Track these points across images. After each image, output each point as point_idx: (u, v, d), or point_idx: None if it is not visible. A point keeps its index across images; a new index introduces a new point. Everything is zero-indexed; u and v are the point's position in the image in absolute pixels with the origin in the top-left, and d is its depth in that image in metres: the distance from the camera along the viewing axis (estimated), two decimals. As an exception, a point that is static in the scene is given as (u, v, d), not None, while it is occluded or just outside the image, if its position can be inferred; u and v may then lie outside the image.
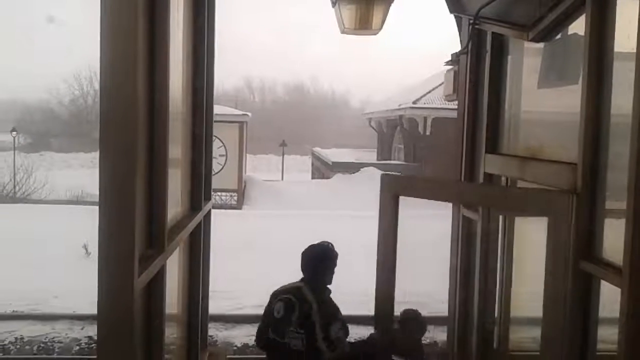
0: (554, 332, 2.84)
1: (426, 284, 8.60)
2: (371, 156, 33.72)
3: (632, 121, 2.28)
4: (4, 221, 15.41)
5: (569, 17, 3.15)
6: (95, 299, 1.86)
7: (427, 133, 25.95)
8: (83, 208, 17.98)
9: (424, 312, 8.91)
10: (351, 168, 26.41)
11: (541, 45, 3.56)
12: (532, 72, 3.80)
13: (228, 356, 6.96)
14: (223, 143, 22.60)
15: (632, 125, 2.27)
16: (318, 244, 3.84)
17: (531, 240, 3.79)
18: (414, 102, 26.28)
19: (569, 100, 3.02)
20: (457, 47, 4.83)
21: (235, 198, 23.79)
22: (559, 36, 3.40)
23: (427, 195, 3.69)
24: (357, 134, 49.39)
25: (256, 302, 9.35)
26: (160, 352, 2.43)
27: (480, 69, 4.43)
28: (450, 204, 4.55)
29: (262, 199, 24.08)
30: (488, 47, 4.26)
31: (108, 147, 1.86)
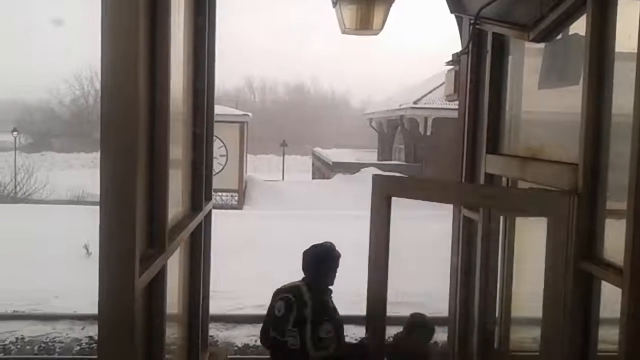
0: (554, 332, 2.84)
1: (426, 284, 8.62)
2: (372, 156, 33.71)
3: (632, 121, 2.28)
4: (5, 221, 15.42)
5: (570, 17, 3.15)
6: (96, 299, 1.86)
7: (428, 133, 25.95)
8: (84, 208, 18.00)
9: (424, 312, 8.95)
10: (352, 168, 26.40)
11: (542, 45, 3.56)
12: (532, 72, 3.80)
13: (229, 356, 6.96)
14: (224, 143, 22.61)
15: (633, 125, 2.27)
16: (320, 244, 3.83)
17: (532, 240, 3.79)
18: (415, 102, 26.27)
19: (569, 100, 3.02)
20: (458, 47, 4.83)
21: (236, 198, 23.80)
22: (559, 36, 3.40)
23: (420, 196, 3.67)
24: (358, 134, 49.37)
25: (257, 302, 9.34)
26: (161, 352, 2.44)
27: (481, 69, 4.43)
28: (449, 204, 4.55)
29: (263, 199, 24.09)
30: (489, 47, 4.26)
31: (109, 147, 1.86)
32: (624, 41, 2.56)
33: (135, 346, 1.96)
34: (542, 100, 3.76)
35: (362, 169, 25.72)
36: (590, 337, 2.76)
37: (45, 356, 7.78)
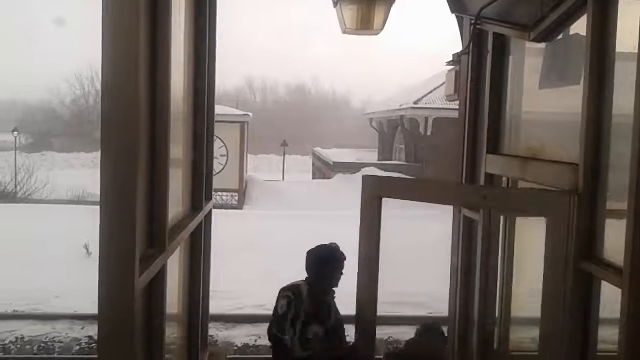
0: (553, 332, 2.84)
1: (426, 284, 8.63)
2: (372, 156, 33.70)
3: (633, 121, 2.28)
4: (5, 221, 15.43)
5: (571, 17, 3.15)
6: (96, 299, 1.86)
7: (428, 133, 25.94)
8: (84, 208, 18.00)
9: (423, 312, 8.97)
10: (352, 168, 26.37)
11: (542, 45, 3.56)
12: (533, 72, 3.80)
13: (228, 356, 6.97)
14: (224, 143, 22.61)
15: (634, 125, 2.27)
16: (325, 245, 3.82)
17: (532, 240, 3.79)
18: (415, 102, 26.26)
19: (570, 100, 3.02)
20: (459, 47, 4.83)
21: (236, 198, 23.81)
22: (560, 36, 3.40)
23: (411, 196, 3.65)
24: (358, 134, 49.35)
25: (256, 302, 9.37)
26: (161, 351, 2.44)
27: (482, 69, 4.43)
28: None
29: (263, 198, 24.09)
30: (489, 47, 4.26)
31: (109, 147, 1.86)
32: (624, 41, 2.56)
33: (135, 346, 1.96)
34: (543, 100, 3.76)
35: (362, 169, 25.69)
36: (590, 337, 2.76)
37: (45, 356, 7.78)
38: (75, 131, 54.24)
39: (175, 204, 2.89)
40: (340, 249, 3.80)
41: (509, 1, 3.87)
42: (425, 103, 26.19)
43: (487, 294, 4.17)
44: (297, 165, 48.33)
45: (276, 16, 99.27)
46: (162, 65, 2.31)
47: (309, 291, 3.71)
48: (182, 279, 3.43)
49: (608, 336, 2.71)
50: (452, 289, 4.71)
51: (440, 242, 5.60)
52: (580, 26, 2.98)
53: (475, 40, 4.43)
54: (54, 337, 8.19)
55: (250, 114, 26.58)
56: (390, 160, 29.83)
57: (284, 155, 37.31)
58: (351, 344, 3.79)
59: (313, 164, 38.01)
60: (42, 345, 7.98)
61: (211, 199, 4.06)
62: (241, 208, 22.94)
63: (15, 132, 35.74)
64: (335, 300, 3.85)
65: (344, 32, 4.68)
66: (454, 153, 5.10)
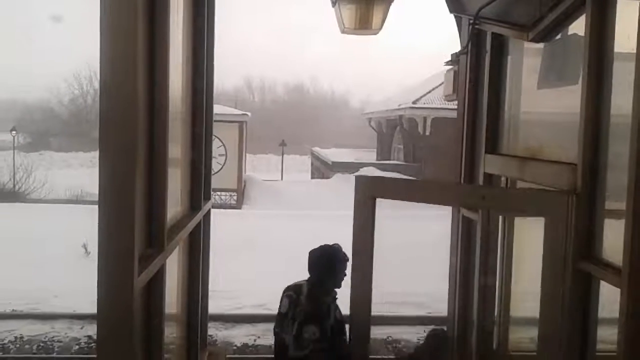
0: (552, 332, 2.84)
1: (426, 284, 8.63)
2: (371, 156, 33.72)
3: (632, 121, 2.28)
4: (3, 220, 15.42)
5: (569, 17, 3.15)
6: (95, 298, 1.86)
7: (427, 133, 25.95)
8: (82, 207, 17.97)
9: (423, 313, 8.98)
10: (351, 168, 26.38)
11: (541, 45, 3.56)
12: (532, 72, 3.80)
13: (227, 356, 6.96)
14: (223, 143, 22.61)
15: (632, 125, 2.28)
16: (328, 246, 3.81)
17: (531, 240, 3.79)
18: (414, 102, 26.27)
19: (568, 100, 3.03)
20: (457, 47, 4.83)
21: (235, 198, 23.80)
22: (558, 36, 3.40)
23: (405, 197, 3.62)
24: (357, 134, 49.37)
25: (255, 301, 9.37)
26: (160, 351, 2.44)
27: (480, 69, 4.43)
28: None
29: (262, 198, 24.09)
30: (488, 47, 4.26)
31: (108, 147, 1.86)
32: (623, 41, 2.56)
33: (134, 345, 1.96)
34: (541, 100, 3.76)
35: (361, 169, 25.72)
36: (589, 337, 2.77)
37: (44, 355, 7.77)
38: (73, 131, 54.21)
39: (174, 204, 2.89)
40: (343, 250, 3.79)
41: (508, 1, 3.88)
42: (424, 103, 26.19)
43: (486, 294, 4.18)
44: (295, 165, 48.31)
45: (275, 16, 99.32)
46: (161, 65, 2.31)
47: (309, 291, 3.71)
48: (181, 278, 3.43)
49: (607, 336, 2.71)
50: (451, 289, 4.71)
51: (441, 242, 5.60)
52: (578, 26, 2.98)
53: (474, 40, 4.43)
54: (53, 337, 8.18)
55: (249, 113, 26.56)
56: (389, 160, 29.84)
57: (282, 155, 37.31)
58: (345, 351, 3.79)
59: (312, 164, 38.01)
60: (42, 345, 7.97)
61: (210, 198, 4.05)
62: (240, 208, 22.93)
63: (14, 132, 35.72)
64: (338, 301, 3.85)
65: (343, 32, 4.68)
66: (452, 153, 5.10)
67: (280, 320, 3.72)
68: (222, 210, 17.85)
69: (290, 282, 3.87)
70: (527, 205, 3.20)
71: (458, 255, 4.59)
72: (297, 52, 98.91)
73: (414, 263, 9.51)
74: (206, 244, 4.05)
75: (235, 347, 8.06)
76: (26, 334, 8.19)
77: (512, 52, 4.10)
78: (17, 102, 55.31)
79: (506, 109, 4.14)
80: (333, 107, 70.33)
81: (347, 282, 3.79)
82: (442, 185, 3.81)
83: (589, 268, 2.69)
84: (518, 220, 4.11)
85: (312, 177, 34.91)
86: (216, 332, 8.37)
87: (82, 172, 35.53)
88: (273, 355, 3.91)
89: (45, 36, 71.09)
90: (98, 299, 1.87)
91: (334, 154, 31.77)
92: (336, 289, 3.80)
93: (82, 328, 8.44)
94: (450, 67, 5.01)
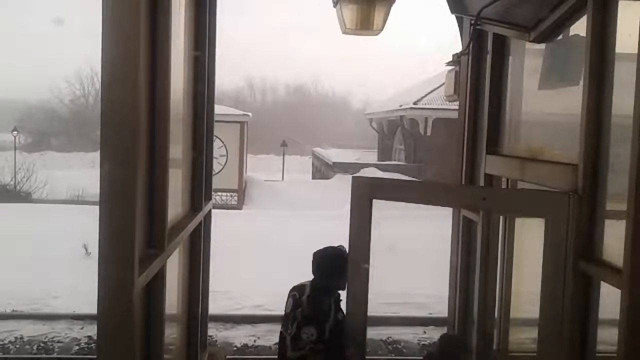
0: (552, 332, 2.84)
1: (426, 284, 8.63)
2: (372, 157, 33.70)
3: (633, 122, 2.28)
4: (4, 220, 15.42)
5: (570, 18, 3.15)
6: (96, 299, 1.85)
7: (428, 133, 25.92)
8: (83, 208, 17.97)
9: (423, 313, 8.97)
10: (352, 168, 26.34)
11: (542, 46, 3.56)
12: (533, 73, 3.80)
13: (227, 356, 6.96)
14: (224, 143, 22.61)
15: (633, 126, 2.27)
16: (333, 247, 3.80)
17: (531, 241, 3.79)
18: (415, 103, 26.24)
19: (570, 101, 3.02)
20: (459, 48, 4.84)
21: (236, 198, 23.80)
22: (560, 37, 3.40)
23: (403, 198, 3.61)
24: (358, 135, 49.34)
25: (256, 302, 9.35)
26: (160, 352, 2.43)
27: (481, 69, 4.43)
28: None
29: (263, 199, 24.08)
30: (489, 48, 4.26)
31: (109, 147, 1.86)
32: (624, 42, 2.56)
33: (134, 346, 1.96)
34: (542, 101, 3.76)
35: (362, 169, 25.71)
36: (589, 338, 2.76)
37: (44, 356, 7.76)
38: (74, 131, 54.24)
39: (175, 205, 2.89)
40: (346, 252, 3.79)
41: (509, 2, 3.87)
42: (425, 103, 26.16)
43: (487, 295, 4.17)
44: (296, 165, 48.30)
45: (276, 17, 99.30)
46: (162, 66, 2.31)
47: (311, 292, 3.71)
48: (182, 279, 3.43)
49: (607, 337, 2.71)
50: (451, 290, 4.71)
51: (442, 242, 5.60)
52: (580, 27, 2.98)
53: (475, 40, 4.43)
54: (53, 337, 8.18)
55: (250, 114, 26.56)
56: (390, 160, 29.82)
57: (283, 155, 37.30)
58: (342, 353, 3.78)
59: (313, 165, 38.00)
60: (42, 345, 7.96)
61: (211, 199, 4.06)
62: (241, 208, 22.93)
63: (15, 132, 35.75)
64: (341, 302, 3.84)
65: (344, 32, 4.68)
66: (453, 153, 5.10)
67: (285, 320, 3.73)
68: (223, 210, 17.85)
69: (290, 283, 3.87)
70: (527, 206, 3.20)
71: (458, 256, 4.59)
72: (298, 53, 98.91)
73: (414, 263, 9.51)
74: (207, 245, 4.05)
75: (235, 348, 8.05)
76: (26, 335, 8.18)
77: (514, 52, 4.10)
78: (18, 102, 55.29)
79: (507, 109, 4.14)
80: (334, 107, 70.28)
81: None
82: (442, 187, 3.81)
83: (589, 269, 2.69)
84: (519, 221, 4.11)
85: (313, 178, 34.89)
86: (216, 332, 8.36)
87: (83, 172, 35.50)
88: (273, 356, 3.92)
89: (47, 36, 71.30)
90: (98, 300, 1.87)
91: (335, 155, 31.76)
92: (339, 291, 3.79)
93: (82, 328, 8.43)
94: (452, 67, 5.01)
